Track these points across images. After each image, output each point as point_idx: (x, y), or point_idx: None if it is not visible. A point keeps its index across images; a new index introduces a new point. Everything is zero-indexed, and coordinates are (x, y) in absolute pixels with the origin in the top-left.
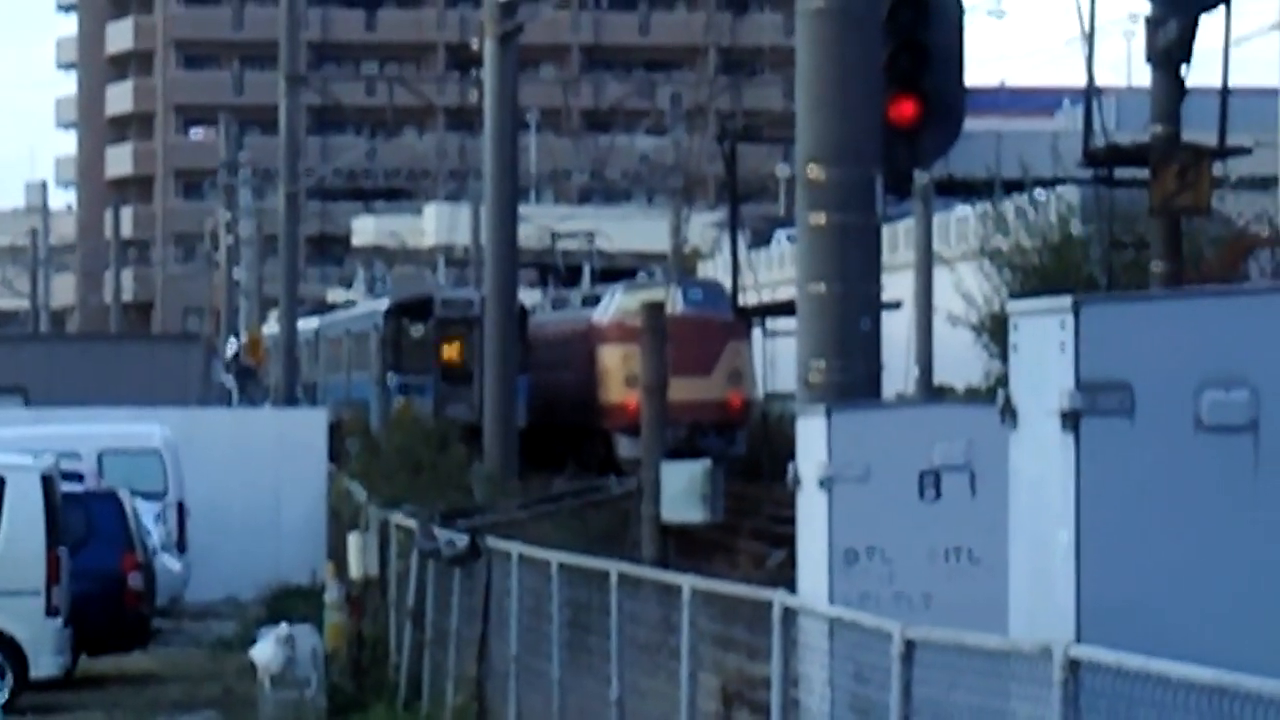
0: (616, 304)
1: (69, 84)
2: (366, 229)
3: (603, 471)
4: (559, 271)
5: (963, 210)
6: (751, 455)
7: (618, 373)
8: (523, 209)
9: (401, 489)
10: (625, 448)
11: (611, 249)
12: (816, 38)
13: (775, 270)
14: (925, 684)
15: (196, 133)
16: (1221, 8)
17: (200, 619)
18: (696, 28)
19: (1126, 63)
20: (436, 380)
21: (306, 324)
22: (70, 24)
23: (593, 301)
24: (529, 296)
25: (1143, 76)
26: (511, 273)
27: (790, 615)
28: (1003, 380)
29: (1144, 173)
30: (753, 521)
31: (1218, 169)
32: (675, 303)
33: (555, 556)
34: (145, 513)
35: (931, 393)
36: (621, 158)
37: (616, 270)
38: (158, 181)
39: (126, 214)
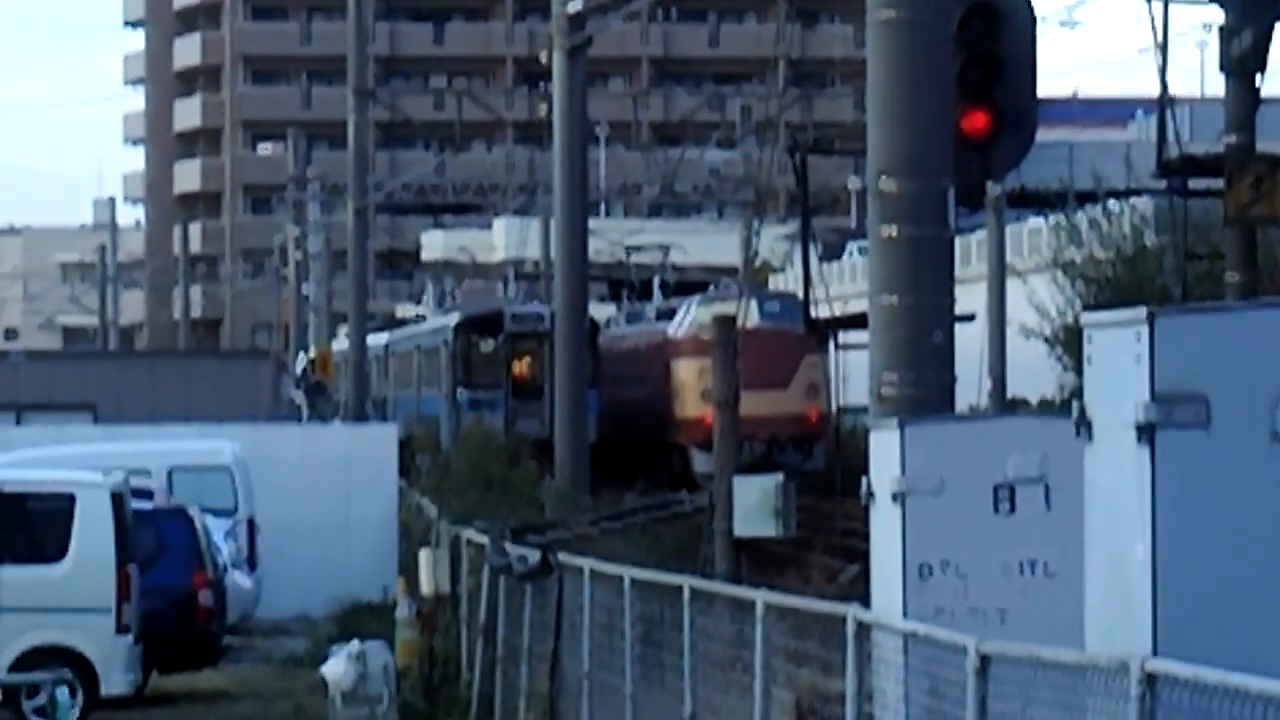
0: (692, 317)
1: (137, 100)
2: (436, 244)
3: (678, 486)
4: (633, 285)
5: (1036, 222)
6: (829, 469)
7: (693, 387)
8: (592, 223)
9: (472, 505)
10: (701, 462)
11: (682, 263)
12: (887, 49)
13: (847, 283)
14: (1001, 699)
15: (265, 148)
16: None
17: (271, 636)
18: (766, 39)
19: (1200, 72)
20: (507, 395)
21: (376, 339)
22: (138, 39)
23: (668, 315)
24: (599, 311)
25: (1216, 86)
26: (582, 287)
27: (864, 630)
28: (1077, 392)
29: (1218, 183)
30: (826, 536)
31: None
32: (752, 316)
33: (628, 572)
34: (215, 529)
35: (1005, 405)
36: (691, 171)
37: (687, 284)
38: (226, 197)
39: (195, 230)
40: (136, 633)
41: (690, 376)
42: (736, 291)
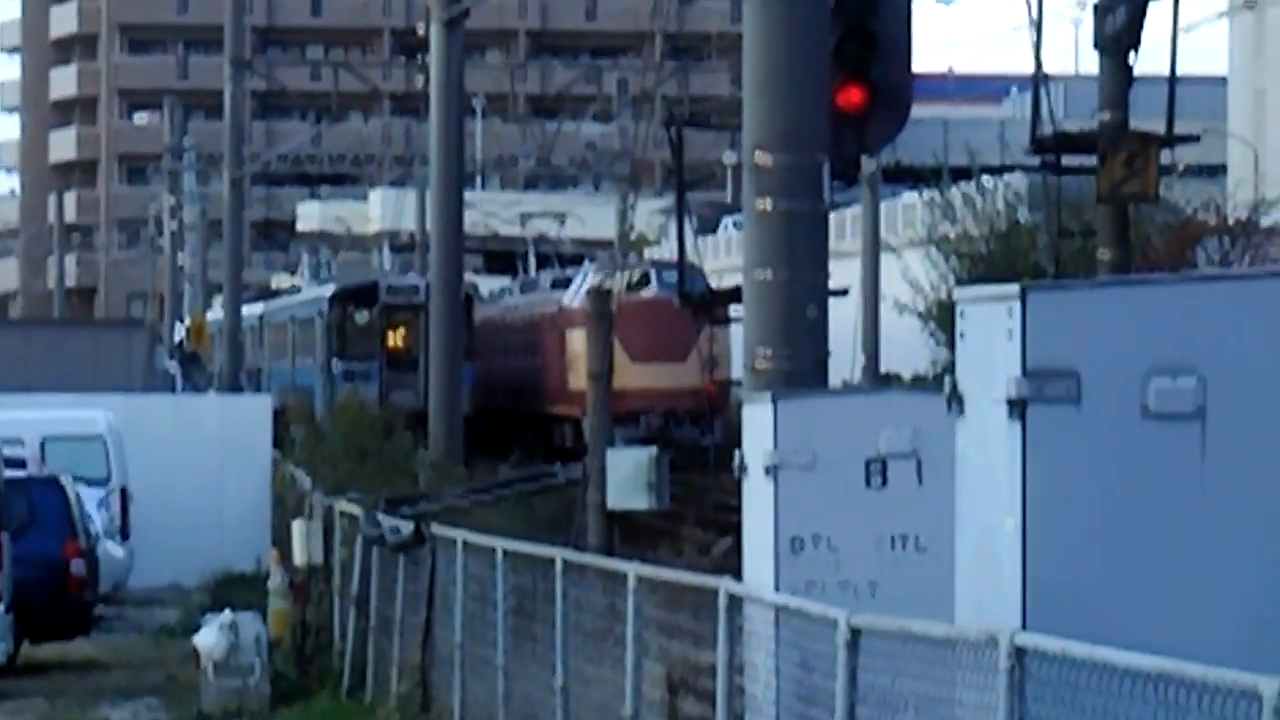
0: (588, 286)
1: (12, 68)
2: (311, 214)
3: (568, 459)
4: (528, 255)
5: (910, 197)
6: (728, 444)
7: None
8: (469, 195)
9: (346, 476)
10: None
11: (556, 235)
12: (764, 23)
13: (722, 257)
14: (871, 671)
15: (141, 117)
16: None
17: (143, 606)
18: (643, 13)
19: (1074, 50)
20: (381, 366)
21: (251, 310)
22: (13, 7)
23: (563, 284)
24: (488, 283)
25: (1091, 64)
26: (457, 259)
27: (736, 603)
28: (949, 368)
29: (1092, 160)
30: (700, 509)
31: (1165, 157)
32: (650, 286)
33: (500, 543)
34: (88, 499)
35: (878, 380)
36: (568, 144)
37: (562, 257)
38: (101, 166)
39: (70, 199)
40: (8, 602)
41: (586, 347)
42: (633, 260)
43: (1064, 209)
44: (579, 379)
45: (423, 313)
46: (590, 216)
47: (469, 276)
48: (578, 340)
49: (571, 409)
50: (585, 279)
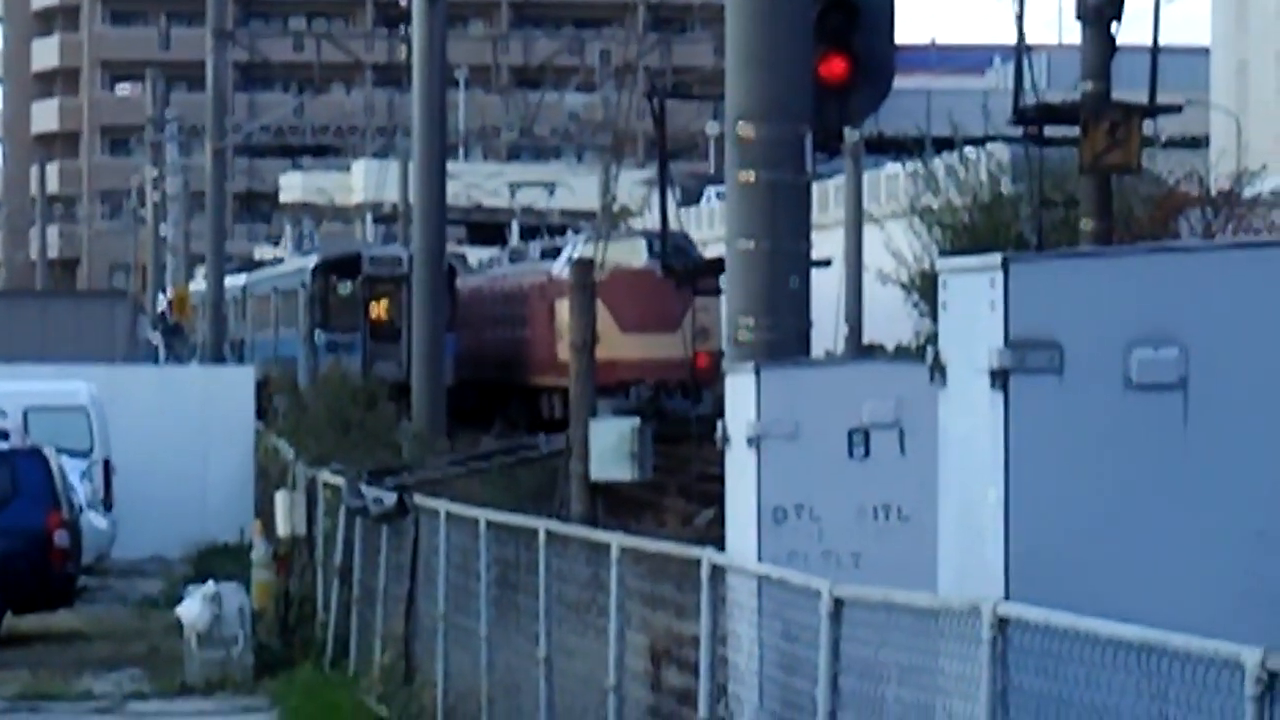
0: (579, 256)
1: None
2: (294, 186)
3: (555, 431)
4: (512, 226)
5: (893, 168)
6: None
7: None
8: (451, 166)
9: (329, 447)
10: None
11: (538, 206)
12: None
13: (705, 228)
14: (854, 642)
15: (123, 88)
16: None
17: (126, 577)
18: None
19: (1057, 20)
20: (364, 338)
21: (234, 281)
22: None
23: (553, 254)
24: (475, 254)
25: (1073, 34)
26: (440, 230)
27: (719, 573)
28: (932, 338)
29: (1074, 131)
30: (683, 479)
31: (1148, 127)
32: (640, 255)
33: (483, 514)
34: (71, 470)
35: (861, 350)
36: (551, 115)
37: (549, 228)
38: (84, 137)
39: (52, 170)
40: None
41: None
42: (624, 231)
43: (1046, 180)
44: (568, 349)
45: (405, 284)
46: (575, 187)
47: (453, 248)
48: (567, 310)
49: (560, 380)
50: (576, 249)
